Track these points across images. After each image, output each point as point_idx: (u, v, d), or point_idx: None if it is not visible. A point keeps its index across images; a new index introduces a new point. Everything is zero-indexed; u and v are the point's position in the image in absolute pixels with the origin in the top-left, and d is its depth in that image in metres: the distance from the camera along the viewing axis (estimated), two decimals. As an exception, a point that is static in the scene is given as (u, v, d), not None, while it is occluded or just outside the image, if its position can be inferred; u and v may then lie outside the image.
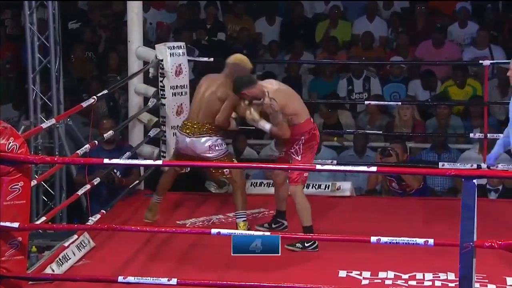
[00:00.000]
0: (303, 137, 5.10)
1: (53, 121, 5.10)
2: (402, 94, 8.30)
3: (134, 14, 6.49)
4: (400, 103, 7.74)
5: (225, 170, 5.28)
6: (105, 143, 6.11)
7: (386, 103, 7.88)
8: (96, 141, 5.32)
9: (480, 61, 6.87)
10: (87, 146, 5.11)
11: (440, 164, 6.43)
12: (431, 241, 3.68)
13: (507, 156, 7.03)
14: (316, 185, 6.43)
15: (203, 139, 5.26)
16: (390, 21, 9.15)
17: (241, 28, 9.16)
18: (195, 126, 5.29)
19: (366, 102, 7.45)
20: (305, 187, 6.44)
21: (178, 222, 5.78)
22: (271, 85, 5.15)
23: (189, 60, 6.48)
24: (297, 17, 9.31)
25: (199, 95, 5.34)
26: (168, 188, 5.60)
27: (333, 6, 9.24)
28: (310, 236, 5.05)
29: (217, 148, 5.27)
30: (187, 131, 5.30)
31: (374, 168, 3.90)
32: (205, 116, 5.28)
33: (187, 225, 5.72)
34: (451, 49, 8.60)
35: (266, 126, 5.09)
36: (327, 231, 5.16)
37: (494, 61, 7.74)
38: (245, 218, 5.33)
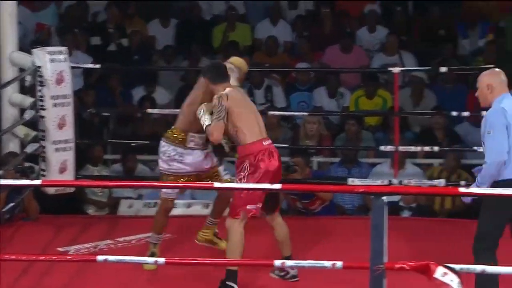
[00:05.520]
0: (247, 161, 4.96)
1: None
2: (310, 103, 8.40)
3: (7, 14, 6.37)
4: (307, 113, 7.77)
5: None
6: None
7: (290, 113, 7.94)
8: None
9: (389, 68, 7.03)
10: None
11: (350, 180, 6.56)
12: (339, 263, 3.74)
13: (420, 171, 7.24)
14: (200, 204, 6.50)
15: None
16: (295, 25, 9.26)
17: (132, 31, 9.09)
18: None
19: (270, 113, 7.34)
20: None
21: (59, 249, 5.70)
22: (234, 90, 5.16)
23: (73, 67, 6.41)
24: (194, 19, 9.30)
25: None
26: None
27: (230, 7, 9.22)
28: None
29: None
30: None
31: (278, 186, 3.95)
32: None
33: (70, 252, 5.64)
34: (358, 54, 8.76)
35: (206, 122, 5.08)
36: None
37: (405, 68, 7.96)
38: None
